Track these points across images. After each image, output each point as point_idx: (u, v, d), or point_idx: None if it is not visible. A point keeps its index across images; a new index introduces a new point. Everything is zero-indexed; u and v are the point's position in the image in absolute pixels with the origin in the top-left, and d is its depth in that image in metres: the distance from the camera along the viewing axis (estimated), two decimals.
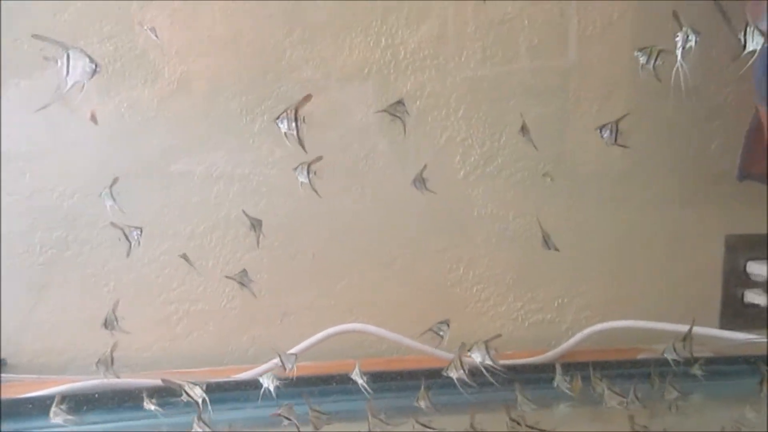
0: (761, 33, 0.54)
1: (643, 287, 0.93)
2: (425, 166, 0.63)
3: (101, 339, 0.68)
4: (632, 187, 0.92)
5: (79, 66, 0.46)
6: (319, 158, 0.53)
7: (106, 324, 0.55)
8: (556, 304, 0.92)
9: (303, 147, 0.51)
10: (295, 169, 0.54)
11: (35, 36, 0.46)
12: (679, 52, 0.56)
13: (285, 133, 0.50)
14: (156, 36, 0.79)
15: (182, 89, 0.81)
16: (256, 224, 0.62)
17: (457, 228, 0.88)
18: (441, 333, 0.60)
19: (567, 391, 0.67)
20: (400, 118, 0.73)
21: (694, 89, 0.87)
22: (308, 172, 0.53)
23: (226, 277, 0.76)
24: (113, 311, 0.55)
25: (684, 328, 0.85)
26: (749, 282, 0.94)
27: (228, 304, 0.87)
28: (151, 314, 0.86)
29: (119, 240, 0.56)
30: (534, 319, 0.92)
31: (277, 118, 0.50)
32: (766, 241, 0.93)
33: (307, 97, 0.50)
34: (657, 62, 0.52)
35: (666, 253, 0.94)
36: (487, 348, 0.54)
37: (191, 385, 0.55)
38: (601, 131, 0.55)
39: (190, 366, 0.85)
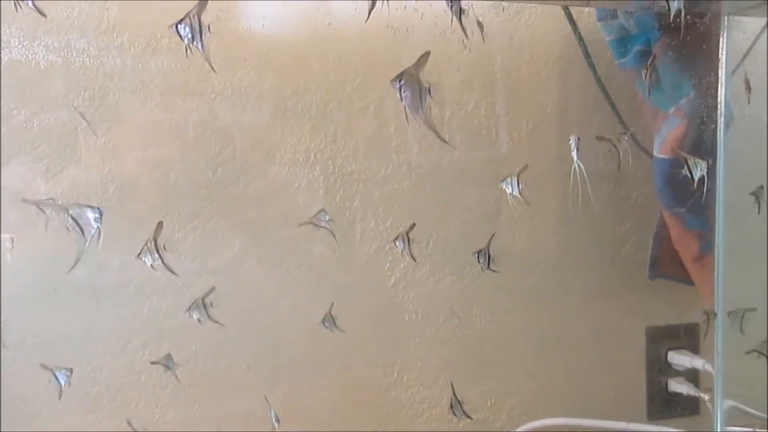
0: (701, 159, 0.60)
1: (572, 382, 0.97)
2: (332, 305, 0.66)
3: None
4: (556, 285, 0.96)
5: (88, 218, 0.49)
6: (212, 289, 0.55)
7: None
8: (489, 404, 0.94)
9: (172, 272, 0.53)
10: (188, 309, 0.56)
11: (24, 200, 0.48)
12: (574, 154, 0.62)
13: (152, 265, 0.52)
14: (86, 120, 0.79)
15: (116, 206, 0.82)
16: None
17: (390, 333, 0.90)
18: None
19: None
20: (325, 227, 0.77)
21: (607, 192, 0.96)
22: (204, 307, 0.55)
23: (152, 363, 0.77)
24: None
25: (612, 424, 0.89)
26: (671, 371, 0.98)
27: (161, 419, 0.86)
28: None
29: (49, 381, 0.56)
30: (468, 419, 0.93)
31: (140, 253, 0.52)
32: (684, 331, 0.99)
33: (159, 225, 0.52)
34: (521, 186, 0.58)
35: (591, 347, 0.98)
36: None
37: None
38: (477, 256, 0.60)
39: None
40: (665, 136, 0.80)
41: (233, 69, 0.83)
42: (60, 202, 0.52)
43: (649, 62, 0.65)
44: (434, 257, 0.90)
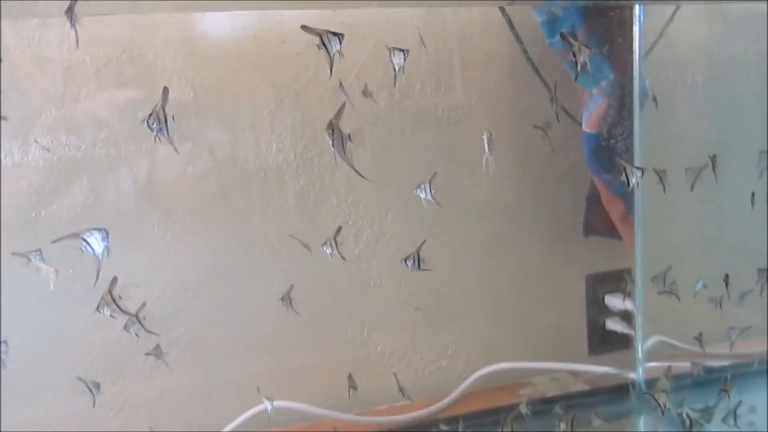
0: (638, 169, 0.69)
1: (522, 326, 1.09)
2: (291, 286, 0.74)
3: None
4: (505, 241, 1.07)
5: (97, 238, 0.57)
6: (143, 305, 0.63)
7: None
8: (449, 352, 1.06)
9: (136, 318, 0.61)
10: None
11: (54, 240, 0.55)
12: (486, 148, 0.71)
13: (111, 315, 0.60)
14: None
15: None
16: None
17: (357, 299, 1.01)
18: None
19: None
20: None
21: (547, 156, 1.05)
22: (139, 322, 0.63)
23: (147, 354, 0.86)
24: None
25: (552, 365, 1.02)
26: (608, 312, 1.11)
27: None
28: None
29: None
30: (432, 367, 1.06)
31: (97, 307, 0.60)
32: (619, 277, 1.11)
33: (114, 279, 0.59)
34: (433, 192, 0.68)
35: (539, 294, 1.10)
36: None
37: None
38: (405, 261, 0.69)
39: None
40: (590, 112, 0.89)
41: None
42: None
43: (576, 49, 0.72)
44: (392, 227, 1.00)
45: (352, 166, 0.58)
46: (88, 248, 0.58)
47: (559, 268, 1.10)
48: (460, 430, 0.80)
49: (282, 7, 0.83)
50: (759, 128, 0.88)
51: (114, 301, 0.58)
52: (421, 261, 0.68)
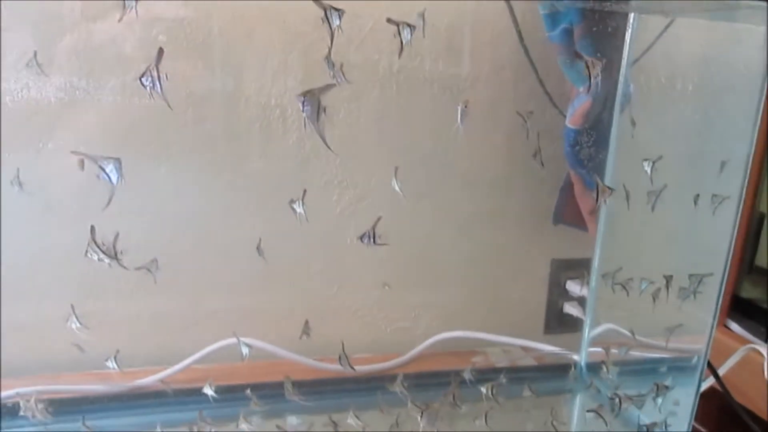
0: (608, 189, 0.73)
1: (485, 301, 1.16)
2: (260, 240, 0.79)
3: None
4: (481, 218, 1.12)
5: (112, 167, 0.61)
6: (117, 235, 0.66)
7: None
8: (413, 315, 1.13)
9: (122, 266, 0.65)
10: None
11: (74, 152, 0.59)
12: (459, 119, 0.76)
13: (98, 259, 0.64)
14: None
15: None
16: None
17: (332, 253, 1.06)
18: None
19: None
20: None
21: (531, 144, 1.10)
22: (115, 256, 0.66)
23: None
24: None
25: (505, 339, 1.09)
26: (567, 296, 1.17)
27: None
28: None
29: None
30: (395, 326, 1.12)
31: (86, 252, 0.64)
32: (581, 265, 1.17)
33: (92, 229, 0.63)
34: (400, 184, 0.73)
35: (504, 271, 1.16)
36: None
37: None
38: (362, 239, 0.74)
39: None
40: (575, 109, 0.93)
41: None
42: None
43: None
44: (376, 191, 1.05)
45: (321, 136, 0.62)
46: (104, 176, 0.62)
47: (528, 250, 1.16)
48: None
49: None
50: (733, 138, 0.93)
51: (99, 248, 0.62)
52: (376, 237, 0.73)
